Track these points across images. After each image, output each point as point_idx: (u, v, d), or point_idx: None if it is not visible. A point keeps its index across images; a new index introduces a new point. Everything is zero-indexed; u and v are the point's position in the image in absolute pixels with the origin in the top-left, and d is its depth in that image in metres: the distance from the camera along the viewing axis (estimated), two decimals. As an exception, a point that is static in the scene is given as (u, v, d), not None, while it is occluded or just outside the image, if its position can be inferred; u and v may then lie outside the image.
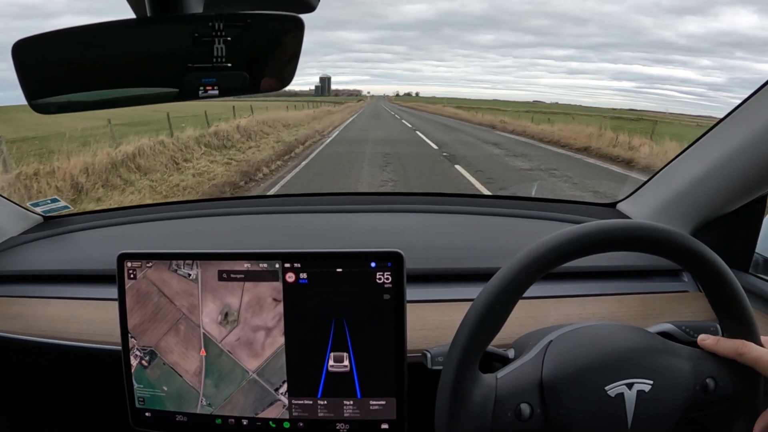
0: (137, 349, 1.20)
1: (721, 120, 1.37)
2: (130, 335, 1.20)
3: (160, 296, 1.19)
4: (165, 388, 1.21)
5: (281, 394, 1.18)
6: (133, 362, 1.21)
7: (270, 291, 1.16)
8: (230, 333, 1.18)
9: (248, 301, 1.17)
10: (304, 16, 0.89)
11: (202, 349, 1.19)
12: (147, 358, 1.20)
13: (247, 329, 1.18)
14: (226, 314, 1.18)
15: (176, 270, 1.18)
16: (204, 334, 1.19)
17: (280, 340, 1.17)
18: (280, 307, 1.16)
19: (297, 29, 0.89)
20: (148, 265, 1.18)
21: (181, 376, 1.20)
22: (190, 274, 1.18)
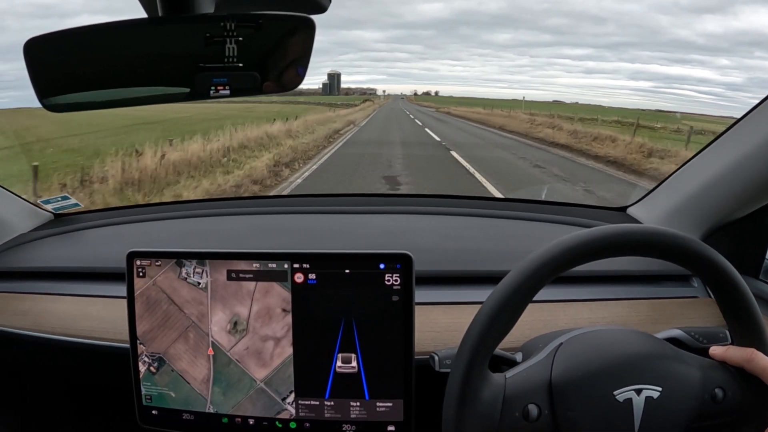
0: (146, 355, 1.21)
1: (733, 124, 1.37)
2: (139, 341, 1.21)
3: (170, 304, 1.19)
4: (173, 395, 1.22)
5: (288, 403, 1.19)
6: (142, 368, 1.22)
7: (279, 301, 1.17)
8: (239, 342, 1.18)
9: (257, 311, 1.17)
10: (316, 17, 0.89)
11: (210, 348, 1.19)
12: (155, 364, 1.21)
13: (256, 339, 1.18)
14: (235, 323, 1.18)
15: (186, 278, 1.19)
16: (213, 342, 1.19)
17: (289, 350, 1.17)
18: (289, 318, 1.17)
19: (308, 30, 0.89)
20: (157, 263, 1.19)
21: (189, 383, 1.21)
22: (199, 283, 1.18)
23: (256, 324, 1.18)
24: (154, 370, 1.21)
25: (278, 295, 1.17)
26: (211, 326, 1.19)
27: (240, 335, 1.18)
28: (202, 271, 1.18)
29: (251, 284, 1.17)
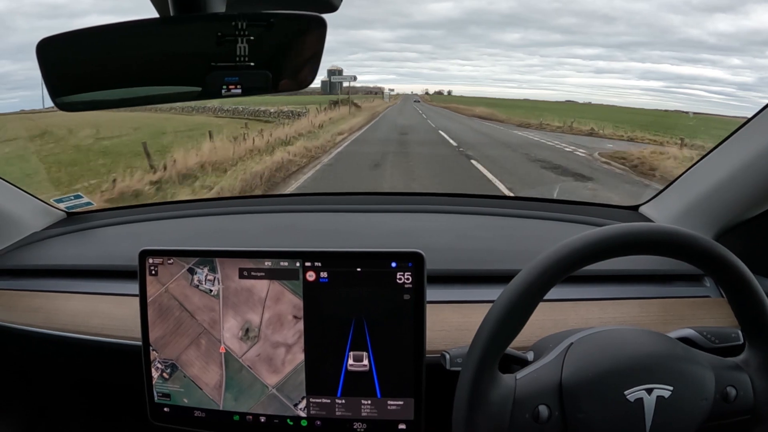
0: (158, 361, 1.22)
1: (745, 123, 1.36)
2: (151, 348, 1.22)
3: (182, 311, 1.20)
4: (185, 400, 1.23)
5: (300, 409, 1.19)
6: (155, 374, 1.23)
7: (290, 308, 1.17)
8: (251, 349, 1.19)
9: (269, 318, 1.18)
10: (326, 16, 0.89)
11: (221, 355, 1.20)
12: (168, 370, 1.22)
13: (268, 345, 1.19)
14: (247, 330, 1.19)
15: (198, 285, 1.19)
16: (225, 348, 1.20)
17: (300, 356, 1.18)
18: (300, 325, 1.17)
19: (319, 29, 0.89)
20: (169, 261, 1.19)
21: (201, 389, 1.21)
22: (211, 290, 1.19)
23: (267, 331, 1.18)
24: (167, 376, 1.22)
25: (289, 302, 1.17)
26: (223, 333, 1.20)
27: (252, 342, 1.19)
28: (214, 278, 1.19)
29: (263, 292, 1.18)
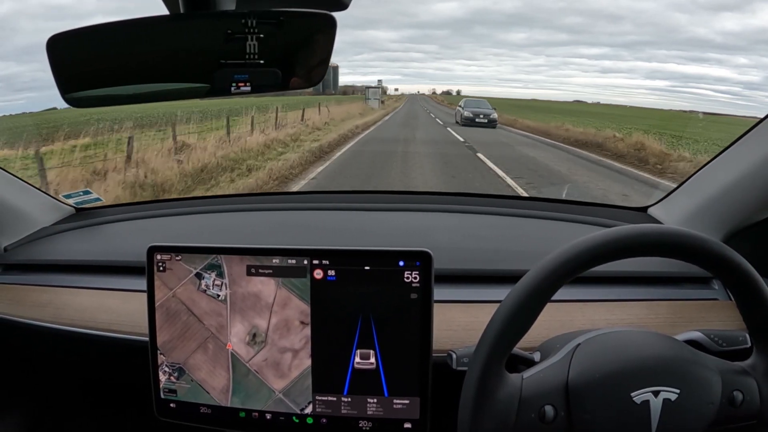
0: (166, 365, 1.23)
1: (755, 125, 1.35)
2: (159, 351, 1.22)
3: (189, 315, 1.21)
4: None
5: (306, 413, 1.20)
6: (162, 378, 1.23)
7: (297, 314, 1.18)
8: (258, 353, 1.20)
9: (276, 323, 1.18)
10: (336, 14, 0.89)
11: (229, 359, 1.21)
12: (176, 374, 1.22)
13: (275, 350, 1.19)
14: (254, 335, 1.19)
15: (205, 290, 1.20)
16: (232, 353, 1.20)
17: (307, 362, 1.18)
18: (307, 330, 1.18)
19: (329, 27, 0.89)
20: (177, 258, 1.20)
21: (208, 393, 1.22)
22: (218, 295, 1.19)
23: (274, 336, 1.19)
24: (174, 380, 1.23)
25: (296, 307, 1.18)
26: (230, 338, 1.20)
27: (259, 347, 1.19)
28: (221, 283, 1.19)
29: (270, 297, 1.18)
